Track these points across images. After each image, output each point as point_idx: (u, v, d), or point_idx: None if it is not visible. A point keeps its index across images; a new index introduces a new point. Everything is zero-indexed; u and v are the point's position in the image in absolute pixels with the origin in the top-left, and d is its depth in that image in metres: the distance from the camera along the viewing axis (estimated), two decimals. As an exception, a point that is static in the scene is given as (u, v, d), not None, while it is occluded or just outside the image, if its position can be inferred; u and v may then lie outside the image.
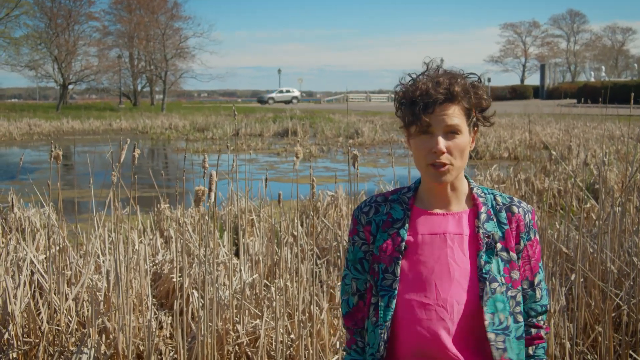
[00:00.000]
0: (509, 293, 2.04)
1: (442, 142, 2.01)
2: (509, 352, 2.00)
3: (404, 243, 2.08)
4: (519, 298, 2.06)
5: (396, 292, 2.04)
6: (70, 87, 67.25)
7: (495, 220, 2.10)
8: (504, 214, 2.11)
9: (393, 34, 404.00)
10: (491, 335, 1.98)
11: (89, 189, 5.17)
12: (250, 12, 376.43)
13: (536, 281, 2.13)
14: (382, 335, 2.04)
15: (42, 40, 64.18)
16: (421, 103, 2.01)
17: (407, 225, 2.10)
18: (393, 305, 2.04)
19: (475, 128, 2.13)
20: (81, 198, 6.54)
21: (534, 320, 2.14)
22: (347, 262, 2.22)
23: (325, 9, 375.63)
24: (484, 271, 2.02)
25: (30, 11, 64.60)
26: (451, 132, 2.02)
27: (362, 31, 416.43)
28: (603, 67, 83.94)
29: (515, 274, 2.06)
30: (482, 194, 2.14)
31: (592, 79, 72.87)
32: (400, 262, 2.06)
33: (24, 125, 36.60)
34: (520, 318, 2.06)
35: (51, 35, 64.38)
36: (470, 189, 2.15)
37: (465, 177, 2.15)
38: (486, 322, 1.99)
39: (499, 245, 2.06)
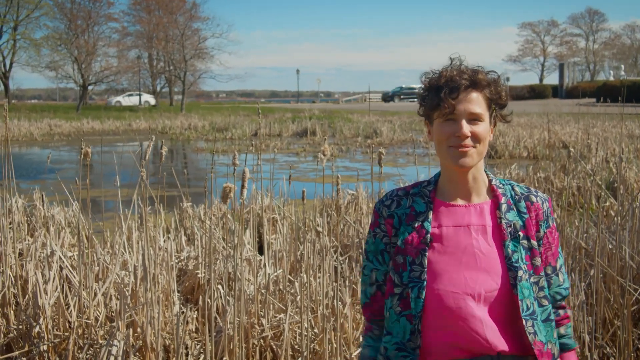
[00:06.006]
0: (532, 279, 2.13)
1: (466, 127, 2.11)
2: (538, 335, 2.09)
3: (429, 235, 2.16)
4: (542, 283, 2.15)
5: (425, 282, 2.11)
6: (90, 87, 67.68)
7: (515, 210, 2.19)
8: (523, 204, 2.20)
9: (410, 34, 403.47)
10: (523, 321, 2.08)
11: (110, 188, 5.28)
12: (267, 10, 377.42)
13: (558, 265, 2.23)
14: (416, 326, 2.10)
15: (62, 41, 64.72)
16: (446, 88, 2.12)
17: (430, 217, 2.18)
18: (423, 296, 2.11)
19: (494, 121, 2.23)
20: (104, 197, 6.66)
21: (560, 302, 2.25)
22: (368, 253, 2.30)
23: (341, 8, 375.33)
24: (513, 260, 2.11)
25: (50, 12, 65.34)
26: (474, 119, 2.12)
27: (379, 31, 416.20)
28: (622, 66, 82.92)
29: (537, 261, 2.15)
30: (501, 185, 2.24)
31: (612, 78, 71.97)
32: (427, 253, 2.14)
33: (44, 126, 36.88)
34: (545, 302, 2.15)
35: (71, 36, 64.90)
36: (490, 181, 2.24)
37: (485, 170, 2.24)
38: (519, 309, 2.08)
39: (520, 234, 2.15)
